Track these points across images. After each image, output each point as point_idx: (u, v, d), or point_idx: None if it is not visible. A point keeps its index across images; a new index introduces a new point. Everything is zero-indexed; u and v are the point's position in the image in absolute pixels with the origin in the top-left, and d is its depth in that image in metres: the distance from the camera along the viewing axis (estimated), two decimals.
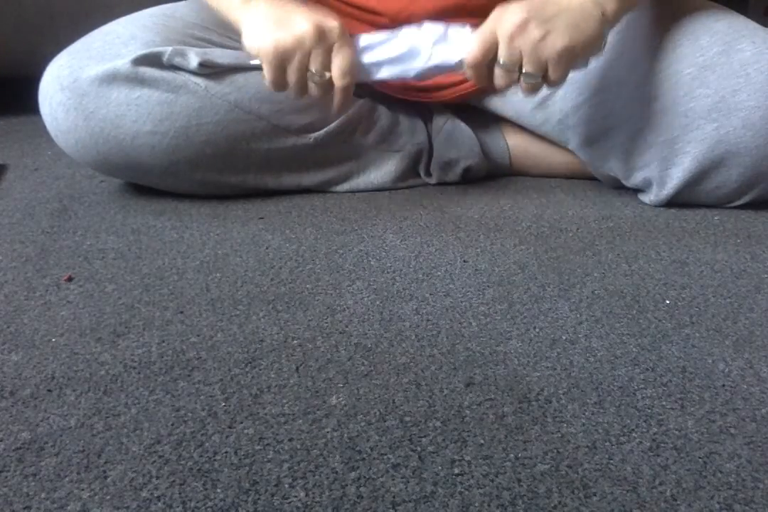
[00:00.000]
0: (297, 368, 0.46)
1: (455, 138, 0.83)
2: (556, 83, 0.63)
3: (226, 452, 0.38)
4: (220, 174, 0.77)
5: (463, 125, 0.84)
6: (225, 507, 0.35)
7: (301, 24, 0.62)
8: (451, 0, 0.72)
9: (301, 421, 0.41)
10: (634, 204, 0.77)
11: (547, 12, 0.60)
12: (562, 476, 0.36)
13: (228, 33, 0.78)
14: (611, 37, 0.72)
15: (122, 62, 0.69)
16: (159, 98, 0.71)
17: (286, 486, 0.36)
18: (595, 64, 0.73)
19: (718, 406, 0.42)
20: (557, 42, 0.59)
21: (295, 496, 0.35)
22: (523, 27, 0.59)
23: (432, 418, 0.41)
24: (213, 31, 0.77)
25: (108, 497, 0.35)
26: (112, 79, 0.70)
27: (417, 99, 0.82)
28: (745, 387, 0.44)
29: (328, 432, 0.40)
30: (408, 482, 0.36)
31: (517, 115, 0.82)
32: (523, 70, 0.61)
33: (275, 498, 0.35)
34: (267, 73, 0.64)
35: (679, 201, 0.74)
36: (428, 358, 0.47)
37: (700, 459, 0.37)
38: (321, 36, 0.62)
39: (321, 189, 0.82)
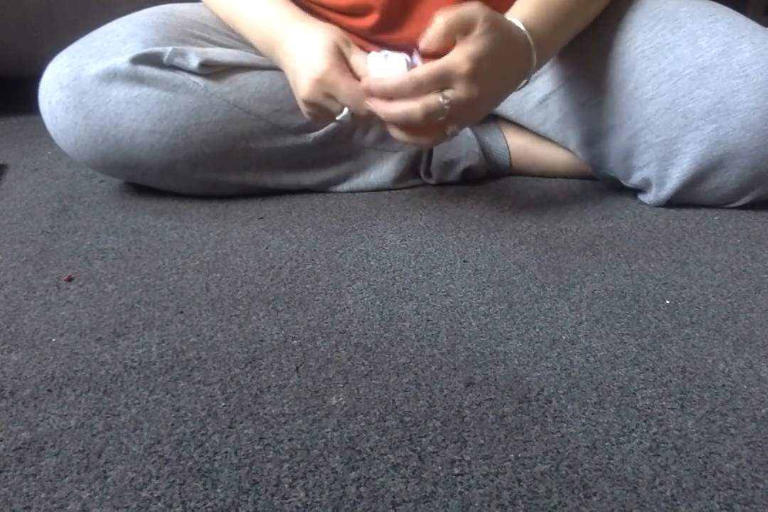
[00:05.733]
0: (297, 368, 0.46)
1: (455, 138, 0.83)
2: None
3: (226, 452, 0.38)
4: (220, 173, 0.77)
5: None
6: (225, 507, 0.35)
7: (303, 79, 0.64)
8: None
9: (301, 421, 0.41)
10: (634, 204, 0.77)
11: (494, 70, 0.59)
12: (562, 476, 0.36)
13: (227, 32, 0.78)
14: (612, 38, 0.73)
15: (121, 60, 0.69)
16: (158, 97, 0.71)
17: (286, 486, 0.36)
18: (594, 64, 0.74)
19: (718, 406, 0.42)
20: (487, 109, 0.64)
21: (295, 496, 0.35)
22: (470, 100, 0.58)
23: (432, 418, 0.41)
24: (212, 30, 0.77)
25: (108, 497, 0.35)
26: (111, 77, 0.70)
27: None
28: (745, 387, 0.44)
29: (328, 432, 0.40)
30: (408, 482, 0.36)
31: (517, 114, 0.82)
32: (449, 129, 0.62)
33: (275, 498, 0.35)
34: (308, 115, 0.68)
35: (678, 201, 0.74)
36: (428, 358, 0.47)
37: (700, 459, 0.37)
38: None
39: (320, 189, 0.82)
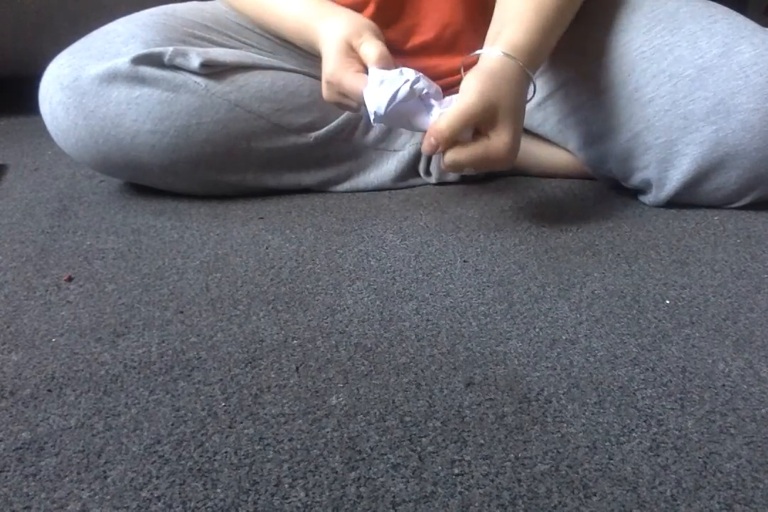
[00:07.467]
0: (297, 368, 0.46)
1: None
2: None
3: (226, 452, 0.38)
4: (220, 173, 0.77)
5: None
6: (225, 507, 0.35)
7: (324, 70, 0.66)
8: None
9: (301, 421, 0.41)
10: (634, 204, 0.77)
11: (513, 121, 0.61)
12: (562, 476, 0.36)
13: (228, 32, 0.78)
14: (611, 39, 0.73)
15: (122, 61, 0.70)
16: (159, 97, 0.71)
17: (286, 486, 0.36)
18: (594, 66, 0.74)
19: (718, 406, 0.42)
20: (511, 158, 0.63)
21: (295, 496, 0.35)
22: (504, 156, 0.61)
23: (432, 418, 0.41)
24: (213, 30, 0.77)
25: (108, 497, 0.35)
26: (112, 78, 0.70)
27: None
28: (745, 387, 0.44)
29: (328, 432, 0.40)
30: (408, 482, 0.36)
31: None
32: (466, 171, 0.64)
33: (275, 498, 0.35)
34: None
35: (678, 202, 0.74)
36: (428, 358, 0.47)
37: (700, 459, 0.37)
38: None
39: (321, 188, 0.82)
